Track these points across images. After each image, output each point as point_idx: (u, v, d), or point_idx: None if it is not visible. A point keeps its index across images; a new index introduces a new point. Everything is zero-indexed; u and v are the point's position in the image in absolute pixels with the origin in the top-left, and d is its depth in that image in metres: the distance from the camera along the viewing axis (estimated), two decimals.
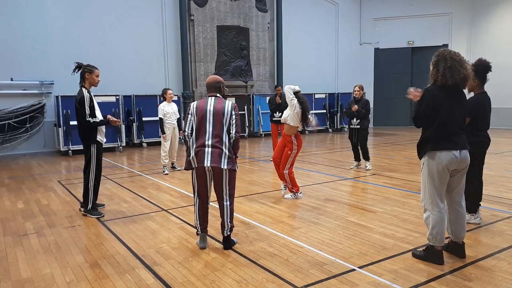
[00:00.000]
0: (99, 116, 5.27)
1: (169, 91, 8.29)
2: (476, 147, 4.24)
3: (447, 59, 3.45)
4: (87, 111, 5.08)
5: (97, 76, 5.26)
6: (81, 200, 5.52)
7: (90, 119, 5.11)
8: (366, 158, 8.21)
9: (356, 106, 7.89)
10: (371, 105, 11.16)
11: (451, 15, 17.97)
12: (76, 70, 5.22)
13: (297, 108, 5.78)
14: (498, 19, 16.99)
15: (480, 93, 4.49)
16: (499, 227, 4.55)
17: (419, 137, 3.68)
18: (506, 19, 16.74)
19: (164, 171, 8.19)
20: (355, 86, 8.18)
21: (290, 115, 5.82)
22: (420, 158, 3.68)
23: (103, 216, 5.26)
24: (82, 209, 5.41)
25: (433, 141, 3.52)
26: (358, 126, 8.06)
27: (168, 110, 8.17)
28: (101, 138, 5.32)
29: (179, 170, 8.37)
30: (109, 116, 5.39)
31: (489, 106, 4.51)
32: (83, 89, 5.16)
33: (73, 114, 5.79)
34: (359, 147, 8.28)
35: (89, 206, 5.30)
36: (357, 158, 8.42)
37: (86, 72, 5.18)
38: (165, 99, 8.29)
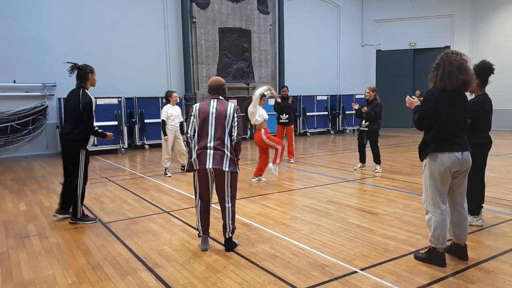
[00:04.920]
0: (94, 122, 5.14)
1: (174, 94, 8.15)
2: (477, 149, 4.23)
3: (446, 65, 3.43)
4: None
5: (95, 75, 5.18)
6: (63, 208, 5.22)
7: (95, 126, 5.00)
8: (376, 161, 8.15)
9: (365, 108, 7.90)
10: None
11: (453, 17, 17.96)
12: (74, 71, 5.06)
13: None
14: (500, 20, 16.97)
15: (480, 94, 4.48)
16: (501, 229, 4.53)
17: (421, 139, 3.67)
18: (508, 20, 16.71)
19: (166, 174, 8.15)
20: (366, 88, 8.21)
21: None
22: (422, 160, 3.67)
23: (96, 221, 5.13)
24: (71, 221, 5.06)
25: (435, 143, 3.51)
26: (366, 129, 8.07)
27: (172, 113, 8.05)
28: (88, 146, 5.15)
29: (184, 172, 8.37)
30: (109, 134, 5.24)
31: (489, 108, 4.49)
32: (87, 92, 5.03)
33: None
34: (365, 149, 8.30)
35: (79, 214, 5.04)
36: (362, 160, 8.41)
37: (89, 73, 5.06)
38: (168, 102, 8.15)
